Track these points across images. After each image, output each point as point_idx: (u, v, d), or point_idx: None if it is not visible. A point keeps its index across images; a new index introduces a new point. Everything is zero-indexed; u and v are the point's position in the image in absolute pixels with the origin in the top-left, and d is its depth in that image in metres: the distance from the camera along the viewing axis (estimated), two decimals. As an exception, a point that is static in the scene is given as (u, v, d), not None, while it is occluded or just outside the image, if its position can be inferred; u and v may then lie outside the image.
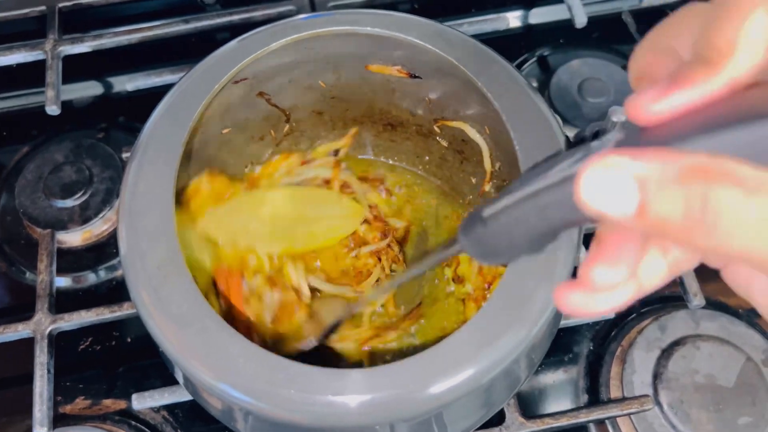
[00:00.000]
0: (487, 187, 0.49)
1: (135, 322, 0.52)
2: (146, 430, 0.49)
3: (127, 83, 0.59)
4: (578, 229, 0.38)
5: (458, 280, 0.45)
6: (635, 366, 0.49)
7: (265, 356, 0.34)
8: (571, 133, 0.55)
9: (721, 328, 0.50)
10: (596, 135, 0.38)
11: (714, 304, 0.51)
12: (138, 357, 0.52)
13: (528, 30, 0.67)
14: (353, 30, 0.44)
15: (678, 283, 0.51)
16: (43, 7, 0.61)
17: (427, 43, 0.43)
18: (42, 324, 0.48)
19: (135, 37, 0.60)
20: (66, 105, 0.58)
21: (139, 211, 0.38)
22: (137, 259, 0.37)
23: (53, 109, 0.56)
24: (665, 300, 0.53)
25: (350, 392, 0.33)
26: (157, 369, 0.51)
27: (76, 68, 0.61)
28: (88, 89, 0.65)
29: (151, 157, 0.40)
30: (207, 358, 0.34)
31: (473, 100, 0.44)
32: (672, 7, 0.67)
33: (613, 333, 0.52)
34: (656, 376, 0.48)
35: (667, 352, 0.49)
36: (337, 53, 0.46)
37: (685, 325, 0.50)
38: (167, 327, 0.35)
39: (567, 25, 0.61)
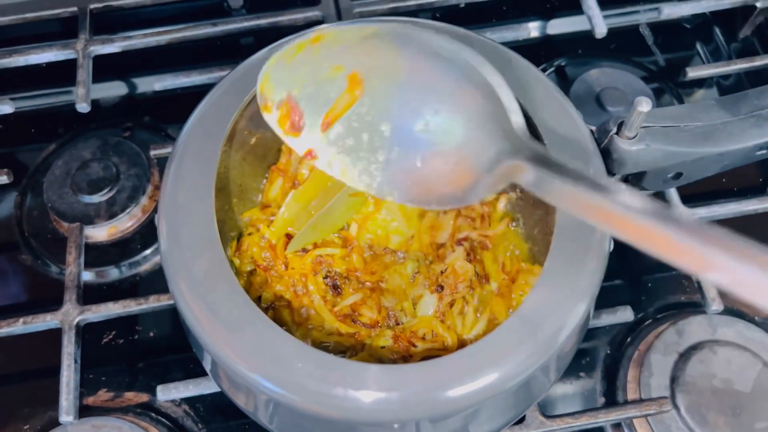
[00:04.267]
0: None
1: (158, 316, 0.53)
2: (168, 423, 0.50)
3: (155, 83, 0.60)
4: (608, 237, 0.39)
5: (484, 278, 0.46)
6: (653, 369, 0.49)
7: (296, 346, 0.35)
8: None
9: (737, 334, 0.51)
10: (620, 126, 0.39)
11: (731, 311, 0.52)
12: (160, 351, 0.53)
13: (547, 40, 0.68)
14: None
15: (696, 288, 0.51)
16: (74, 8, 0.63)
17: None
18: (70, 315, 0.49)
19: (164, 39, 0.61)
20: (92, 104, 0.58)
21: (180, 220, 0.39)
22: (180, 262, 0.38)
23: (83, 107, 0.57)
24: (682, 305, 0.54)
25: (371, 388, 0.34)
26: (179, 363, 0.52)
27: (102, 68, 0.62)
28: (114, 89, 0.66)
29: (188, 167, 0.41)
30: (241, 349, 0.35)
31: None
32: (689, 21, 0.68)
33: (630, 337, 0.52)
34: (674, 380, 0.49)
35: (684, 357, 0.49)
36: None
37: (702, 330, 0.51)
38: (202, 314, 0.36)
39: (585, 35, 0.62)
